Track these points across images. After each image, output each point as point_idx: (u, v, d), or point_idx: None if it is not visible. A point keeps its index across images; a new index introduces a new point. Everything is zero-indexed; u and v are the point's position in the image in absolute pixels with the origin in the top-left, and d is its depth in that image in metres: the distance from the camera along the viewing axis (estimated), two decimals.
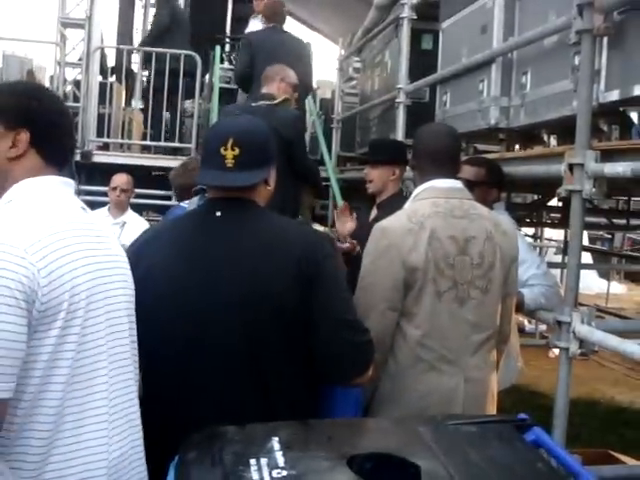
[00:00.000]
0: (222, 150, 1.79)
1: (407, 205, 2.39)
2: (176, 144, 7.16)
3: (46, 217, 1.45)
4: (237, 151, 1.79)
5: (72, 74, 8.13)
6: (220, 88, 7.15)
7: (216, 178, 1.82)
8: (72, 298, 1.40)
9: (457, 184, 2.36)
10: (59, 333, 1.38)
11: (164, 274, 1.81)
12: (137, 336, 1.68)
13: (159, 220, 5.63)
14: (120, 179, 5.31)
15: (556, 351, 2.90)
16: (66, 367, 1.40)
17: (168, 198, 6.67)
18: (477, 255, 2.26)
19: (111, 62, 8.91)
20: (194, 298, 1.77)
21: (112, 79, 8.47)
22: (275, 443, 1.40)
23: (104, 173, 6.13)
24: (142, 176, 6.94)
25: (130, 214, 5.40)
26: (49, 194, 1.53)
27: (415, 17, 4.65)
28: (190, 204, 2.61)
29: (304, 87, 6.02)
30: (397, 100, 4.68)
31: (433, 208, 2.26)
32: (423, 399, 2.19)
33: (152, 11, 15.84)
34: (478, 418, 1.69)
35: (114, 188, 5.22)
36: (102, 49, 7.82)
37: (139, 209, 6.70)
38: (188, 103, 7.62)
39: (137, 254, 1.83)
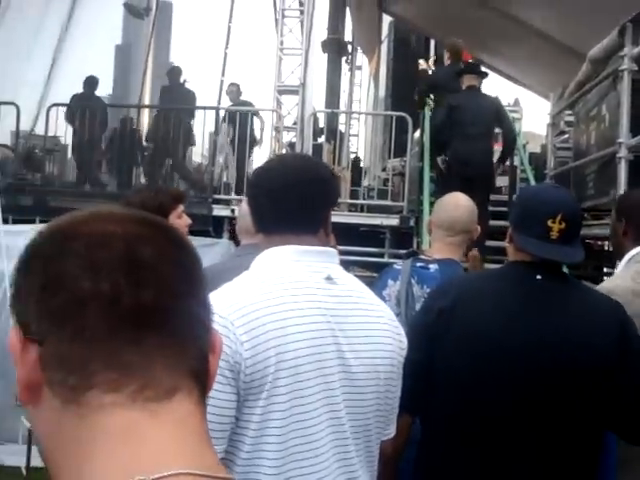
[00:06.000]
0: (549, 222, 1.84)
1: (625, 268, 2.27)
2: (388, 202, 7.32)
3: (258, 288, 1.40)
4: (563, 225, 1.84)
5: (287, 137, 8.68)
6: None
7: (547, 250, 1.86)
8: (277, 373, 1.33)
9: None
10: (265, 402, 1.33)
11: (485, 333, 1.85)
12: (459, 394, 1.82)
13: (374, 277, 5.75)
14: None
15: None
16: (275, 435, 1.33)
17: (380, 255, 6.82)
18: None
19: (320, 123, 9.40)
20: (520, 360, 1.80)
21: (321, 139, 8.92)
22: None
23: None
24: (350, 233, 7.18)
25: None
26: (275, 264, 1.48)
27: (636, 68, 4.45)
28: (404, 264, 2.65)
29: (510, 141, 6.36)
30: (618, 155, 4.49)
31: None
32: None
33: (358, 74, 16.50)
34: None
35: None
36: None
37: (346, 265, 6.89)
38: (397, 161, 7.79)
39: (452, 312, 1.88)
